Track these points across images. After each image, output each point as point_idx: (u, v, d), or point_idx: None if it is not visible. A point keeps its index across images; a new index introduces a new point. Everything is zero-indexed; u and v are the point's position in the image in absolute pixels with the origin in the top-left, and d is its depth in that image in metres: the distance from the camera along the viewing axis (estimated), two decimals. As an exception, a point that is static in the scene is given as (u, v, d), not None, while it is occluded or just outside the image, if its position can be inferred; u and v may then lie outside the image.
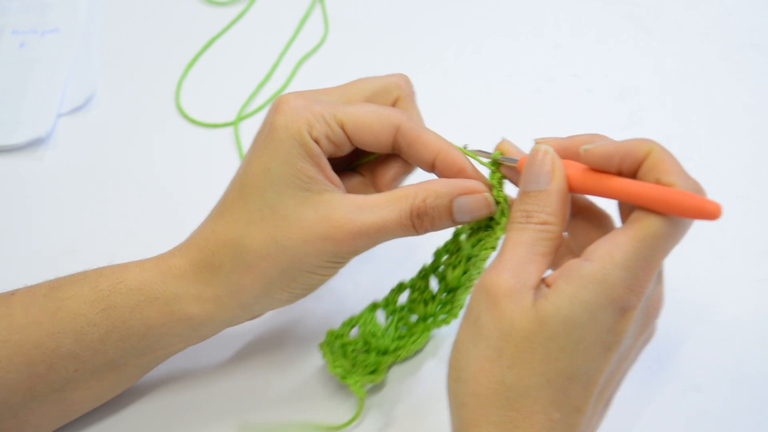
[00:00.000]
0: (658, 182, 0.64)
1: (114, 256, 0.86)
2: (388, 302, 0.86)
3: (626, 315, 0.63)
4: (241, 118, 1.12)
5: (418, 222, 0.75)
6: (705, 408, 0.85)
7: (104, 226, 1.00)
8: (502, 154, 0.77)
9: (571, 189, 0.69)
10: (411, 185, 0.77)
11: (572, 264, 0.65)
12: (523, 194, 0.70)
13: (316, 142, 0.76)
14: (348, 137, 0.77)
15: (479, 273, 0.83)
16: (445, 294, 0.86)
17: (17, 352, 0.77)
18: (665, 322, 0.72)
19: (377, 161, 0.83)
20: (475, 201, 0.76)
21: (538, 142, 0.72)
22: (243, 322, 0.83)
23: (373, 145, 0.78)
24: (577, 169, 0.69)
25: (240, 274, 0.77)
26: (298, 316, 0.92)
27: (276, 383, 0.88)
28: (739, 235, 0.97)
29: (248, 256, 0.77)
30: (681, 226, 0.64)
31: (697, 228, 0.96)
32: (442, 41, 1.20)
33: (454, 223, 0.77)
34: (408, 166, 0.82)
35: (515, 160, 0.75)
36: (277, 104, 0.77)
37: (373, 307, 0.85)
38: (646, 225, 0.64)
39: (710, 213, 0.63)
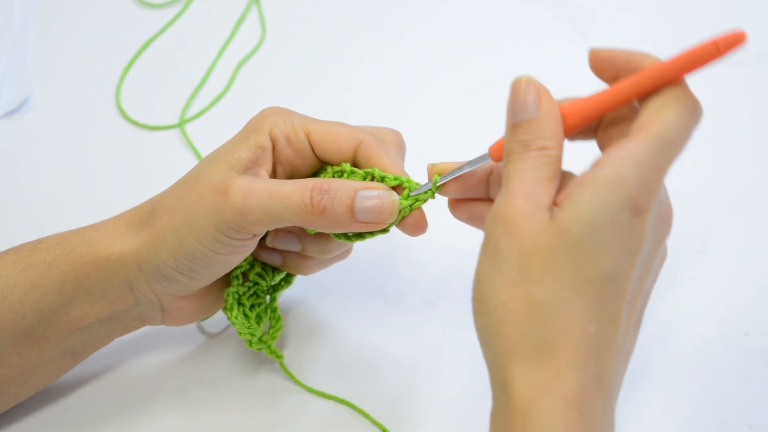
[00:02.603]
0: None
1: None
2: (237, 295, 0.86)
3: (643, 216, 0.63)
4: (184, 120, 1.11)
5: (317, 197, 0.75)
6: (641, 407, 0.86)
7: (41, 231, 0.99)
8: (439, 176, 0.78)
9: (571, 128, 0.70)
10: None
11: (584, 174, 0.64)
12: (514, 127, 0.68)
13: (273, 139, 0.79)
14: (312, 146, 0.80)
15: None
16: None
17: None
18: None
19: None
20: (379, 197, 0.77)
21: (430, 165, 0.78)
22: (150, 301, 0.82)
23: (335, 154, 0.80)
24: (569, 106, 0.70)
25: (146, 228, 0.80)
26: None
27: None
28: (673, 234, 0.98)
29: (157, 212, 0.79)
30: (685, 121, 0.66)
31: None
32: (377, 43, 1.21)
33: (351, 218, 0.77)
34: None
35: (468, 167, 0.77)
36: (261, 110, 0.82)
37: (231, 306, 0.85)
38: (651, 126, 0.64)
39: (735, 39, 0.63)
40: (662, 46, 1.15)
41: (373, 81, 1.15)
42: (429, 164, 0.78)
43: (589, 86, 1.11)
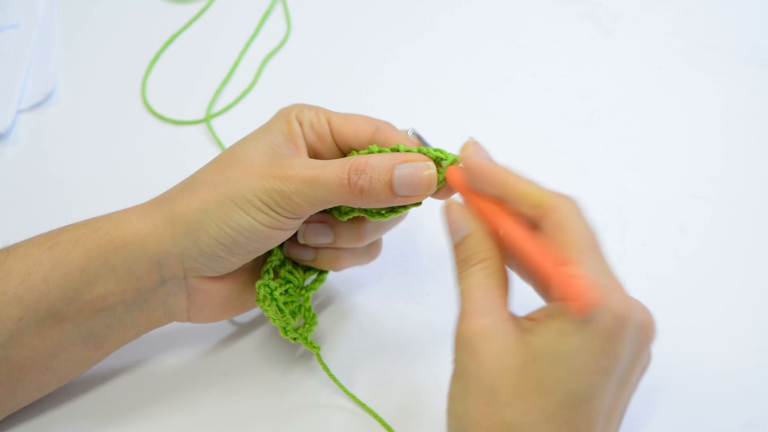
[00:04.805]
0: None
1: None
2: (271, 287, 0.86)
3: (619, 336, 0.63)
4: (211, 116, 1.12)
5: (354, 178, 0.76)
6: (666, 408, 0.86)
7: (65, 223, 0.99)
8: (456, 159, 0.77)
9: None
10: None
11: (554, 305, 0.65)
12: (454, 248, 0.72)
13: (300, 124, 0.81)
14: (332, 132, 0.82)
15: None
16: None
17: None
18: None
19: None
20: (417, 170, 0.77)
21: (469, 139, 0.76)
22: (178, 282, 0.82)
23: (353, 139, 0.81)
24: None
25: (180, 200, 0.80)
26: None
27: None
28: (698, 236, 0.98)
29: (193, 185, 0.80)
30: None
31: (657, 228, 0.98)
32: (401, 39, 1.21)
33: (392, 194, 0.77)
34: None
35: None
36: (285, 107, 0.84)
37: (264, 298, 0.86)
38: (578, 245, 0.66)
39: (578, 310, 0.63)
40: (687, 46, 1.16)
41: (396, 77, 1.15)
42: (470, 138, 0.77)
43: (612, 86, 1.12)
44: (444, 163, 0.78)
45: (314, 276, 0.89)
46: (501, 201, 0.70)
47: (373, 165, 0.77)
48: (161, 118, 1.12)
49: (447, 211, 0.73)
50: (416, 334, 0.92)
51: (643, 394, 0.74)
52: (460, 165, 0.76)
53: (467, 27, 1.22)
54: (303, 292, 0.88)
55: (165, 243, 0.80)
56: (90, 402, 0.87)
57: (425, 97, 1.13)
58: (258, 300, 0.84)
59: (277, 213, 0.78)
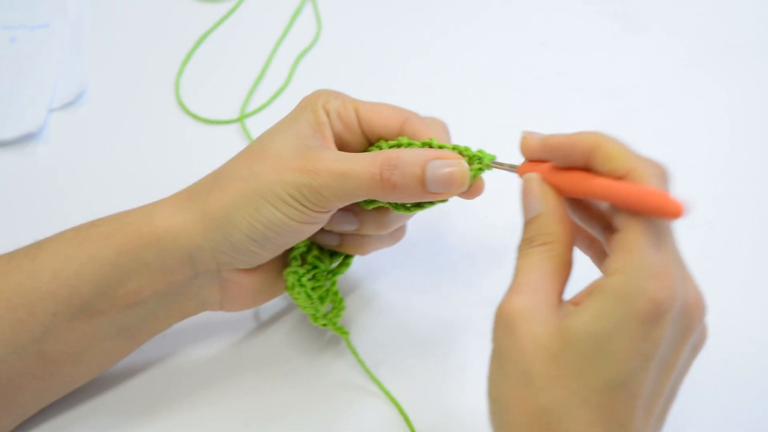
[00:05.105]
0: (613, 173, 0.65)
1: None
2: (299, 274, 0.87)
3: (659, 320, 0.62)
4: (245, 115, 1.12)
5: (386, 173, 0.76)
6: (696, 407, 0.85)
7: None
8: (494, 159, 0.77)
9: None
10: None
11: (596, 282, 0.64)
12: (524, 225, 0.70)
13: (327, 113, 0.80)
14: (360, 122, 0.81)
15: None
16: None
17: None
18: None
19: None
20: (449, 166, 0.76)
21: (524, 133, 0.74)
22: (210, 273, 0.82)
23: (381, 128, 0.81)
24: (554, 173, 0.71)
25: (210, 195, 0.80)
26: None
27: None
28: (729, 235, 0.98)
29: (223, 180, 0.80)
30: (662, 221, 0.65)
31: (686, 227, 0.98)
32: (430, 38, 1.21)
33: (423, 191, 0.77)
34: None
35: (514, 166, 0.75)
36: (311, 92, 0.83)
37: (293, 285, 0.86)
38: (634, 230, 0.64)
39: (672, 212, 0.62)
40: (716, 45, 1.16)
41: (425, 75, 1.15)
42: (525, 132, 0.75)
43: (641, 85, 1.12)
44: (478, 163, 0.77)
45: (340, 260, 0.90)
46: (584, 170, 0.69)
47: (405, 160, 0.76)
48: (195, 117, 1.13)
49: (524, 186, 0.71)
50: (440, 321, 0.93)
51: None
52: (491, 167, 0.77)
53: (495, 26, 1.22)
54: (330, 276, 0.89)
55: (196, 238, 0.80)
56: (120, 395, 0.88)
57: (454, 95, 1.13)
58: (287, 287, 0.85)
59: (307, 207, 0.78)
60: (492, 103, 1.13)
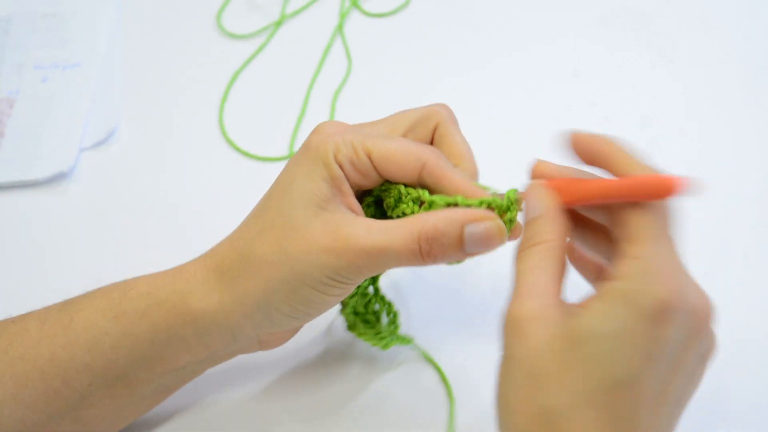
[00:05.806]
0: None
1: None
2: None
3: (666, 321, 0.62)
4: (293, 153, 1.11)
5: (426, 247, 0.74)
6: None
7: (127, 261, 1.00)
8: (516, 191, 0.76)
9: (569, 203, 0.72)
10: (425, 213, 0.77)
11: (602, 284, 0.65)
12: (525, 226, 0.72)
13: (340, 165, 0.77)
14: (375, 167, 0.78)
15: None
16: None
17: (33, 368, 0.78)
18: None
19: None
20: (486, 228, 0.74)
21: (538, 161, 0.76)
22: (250, 338, 0.82)
23: (399, 177, 0.78)
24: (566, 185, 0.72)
25: (245, 278, 0.78)
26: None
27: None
28: (761, 263, 0.97)
29: (254, 261, 0.77)
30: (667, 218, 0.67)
31: (720, 255, 0.97)
32: (460, 71, 1.21)
33: (464, 253, 0.75)
34: None
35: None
36: (315, 128, 0.80)
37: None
38: (639, 238, 0.66)
39: (671, 189, 0.64)
40: (745, 71, 1.15)
41: (456, 106, 1.15)
42: (538, 160, 0.76)
43: (673, 112, 1.11)
44: (509, 213, 0.76)
45: None
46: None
47: (443, 231, 0.74)
48: (246, 154, 1.13)
49: (527, 191, 0.72)
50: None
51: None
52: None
53: (527, 56, 1.22)
54: (372, 281, 0.88)
55: (236, 317, 0.79)
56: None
57: (486, 126, 1.13)
58: (348, 328, 0.87)
59: (344, 283, 0.77)
60: (524, 133, 1.12)
